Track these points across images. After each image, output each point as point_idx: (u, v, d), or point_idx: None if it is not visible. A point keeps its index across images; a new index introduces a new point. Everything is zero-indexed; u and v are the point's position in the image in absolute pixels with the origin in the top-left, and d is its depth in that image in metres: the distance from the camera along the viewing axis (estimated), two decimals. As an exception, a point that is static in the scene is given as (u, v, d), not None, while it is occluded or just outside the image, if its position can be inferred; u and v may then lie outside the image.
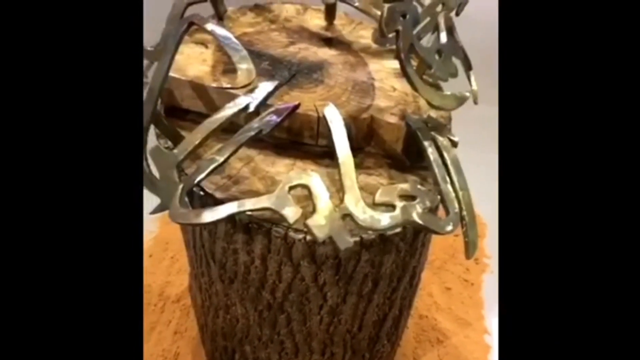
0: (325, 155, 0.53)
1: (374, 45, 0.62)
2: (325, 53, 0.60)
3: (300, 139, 0.54)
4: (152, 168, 0.48)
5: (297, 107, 0.46)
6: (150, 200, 0.45)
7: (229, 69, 0.55)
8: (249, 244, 0.49)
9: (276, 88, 0.47)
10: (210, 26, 0.49)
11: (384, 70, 0.59)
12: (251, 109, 0.46)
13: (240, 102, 0.46)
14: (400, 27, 0.47)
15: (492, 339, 0.89)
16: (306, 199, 0.44)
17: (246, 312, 0.58)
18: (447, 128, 0.53)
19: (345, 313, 0.56)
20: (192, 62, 0.55)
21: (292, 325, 0.57)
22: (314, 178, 0.43)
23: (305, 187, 0.43)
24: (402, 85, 0.57)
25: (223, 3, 0.63)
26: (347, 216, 0.43)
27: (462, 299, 0.93)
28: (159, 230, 1.08)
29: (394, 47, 0.62)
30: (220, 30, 0.49)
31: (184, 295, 0.94)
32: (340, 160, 0.45)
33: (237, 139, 0.45)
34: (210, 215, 0.42)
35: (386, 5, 0.47)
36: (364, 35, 0.65)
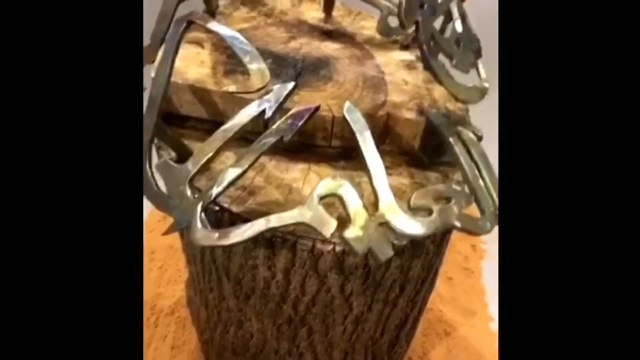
0: (340, 157, 0.50)
1: (378, 37, 0.59)
2: (329, 47, 0.57)
3: (312, 141, 0.50)
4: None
5: (317, 108, 0.43)
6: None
7: (230, 70, 0.51)
8: (270, 258, 0.46)
9: (292, 90, 0.43)
10: (214, 25, 0.44)
11: (392, 63, 0.56)
12: (268, 114, 0.42)
13: (255, 107, 0.42)
14: (419, 18, 0.44)
15: (497, 327, 0.89)
16: (329, 206, 0.41)
17: (263, 327, 0.55)
18: (468, 121, 0.51)
19: (370, 320, 0.53)
20: (190, 64, 0.51)
21: (313, 337, 0.54)
22: (346, 187, 0.40)
23: (336, 196, 0.40)
24: (413, 78, 0.54)
25: (215, -2, 0.58)
26: (384, 224, 0.40)
27: (464, 288, 0.92)
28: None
29: (399, 37, 0.59)
30: (225, 30, 0.44)
31: (178, 306, 0.89)
32: (369, 164, 0.42)
33: (258, 147, 0.41)
34: (238, 235, 0.38)
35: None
36: (366, 26, 0.62)
